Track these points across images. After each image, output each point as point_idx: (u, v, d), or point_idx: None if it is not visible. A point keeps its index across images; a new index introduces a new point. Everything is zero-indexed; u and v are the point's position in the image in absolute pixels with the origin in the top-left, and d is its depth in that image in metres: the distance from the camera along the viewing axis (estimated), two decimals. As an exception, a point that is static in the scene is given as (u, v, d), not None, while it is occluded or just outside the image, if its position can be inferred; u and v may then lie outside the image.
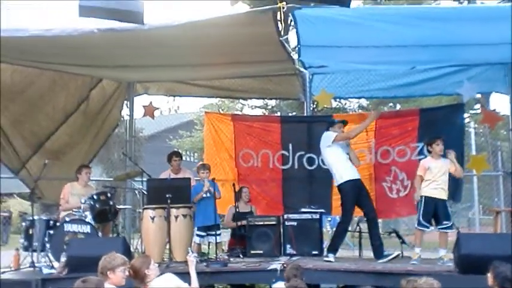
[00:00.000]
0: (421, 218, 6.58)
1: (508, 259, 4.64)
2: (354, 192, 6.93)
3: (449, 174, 6.67)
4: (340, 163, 7.04)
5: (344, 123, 7.39)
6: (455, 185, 7.91)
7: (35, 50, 6.90)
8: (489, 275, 4.35)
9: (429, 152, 6.81)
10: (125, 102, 9.82)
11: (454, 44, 6.80)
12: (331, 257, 6.83)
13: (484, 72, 8.72)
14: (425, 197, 6.56)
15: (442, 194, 6.58)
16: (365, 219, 7.23)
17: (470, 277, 5.41)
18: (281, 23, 5.90)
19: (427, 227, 6.62)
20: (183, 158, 8.64)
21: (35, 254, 6.86)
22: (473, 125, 14.28)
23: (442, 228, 6.57)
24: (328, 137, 7.12)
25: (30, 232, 6.93)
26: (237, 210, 7.76)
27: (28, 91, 8.16)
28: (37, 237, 6.84)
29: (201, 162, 8.01)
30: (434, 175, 6.57)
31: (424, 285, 4.18)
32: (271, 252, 7.31)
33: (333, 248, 6.97)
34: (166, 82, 9.74)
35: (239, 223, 7.72)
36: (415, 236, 6.80)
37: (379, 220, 11.34)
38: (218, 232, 7.33)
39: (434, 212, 6.55)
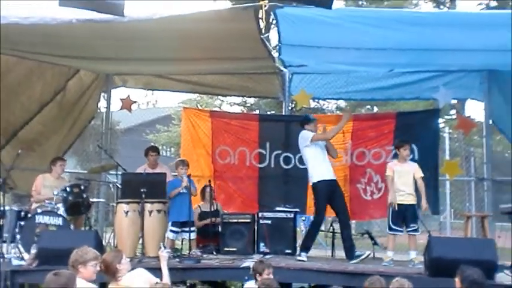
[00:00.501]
0: (391, 224, 6.69)
1: (477, 263, 4.73)
2: (326, 192, 6.98)
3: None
4: (316, 162, 7.07)
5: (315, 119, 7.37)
6: (434, 197, 8.08)
7: (12, 38, 6.76)
8: (456, 279, 4.42)
9: (396, 155, 6.91)
10: (102, 94, 9.74)
11: (432, 48, 6.90)
12: (303, 256, 6.87)
13: (460, 79, 8.88)
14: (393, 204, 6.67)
15: (410, 199, 6.68)
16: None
17: (440, 280, 5.47)
18: (262, 21, 5.91)
19: (400, 231, 6.72)
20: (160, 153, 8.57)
21: (4, 245, 6.74)
22: (447, 130, 14.50)
23: (410, 231, 6.68)
24: (305, 136, 7.14)
25: (1, 223, 6.82)
26: (200, 209, 7.82)
27: (4, 80, 8.01)
28: (7, 228, 6.74)
29: (180, 158, 7.94)
30: (399, 180, 6.69)
31: (396, 284, 4.29)
32: (244, 250, 7.31)
33: (305, 247, 7.02)
34: (145, 75, 9.67)
35: (204, 222, 7.71)
36: (388, 239, 6.89)
37: (353, 221, 11.48)
38: (192, 229, 7.30)
39: (404, 217, 6.65)
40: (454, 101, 10.37)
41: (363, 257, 6.79)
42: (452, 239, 8.22)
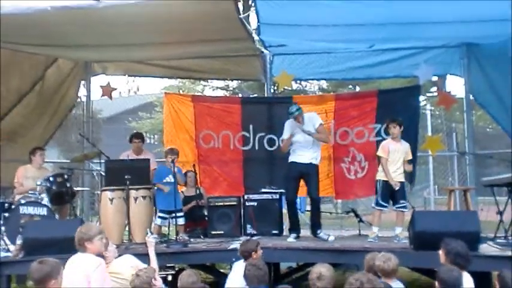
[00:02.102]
0: (379, 199, 6.72)
1: (460, 235, 4.81)
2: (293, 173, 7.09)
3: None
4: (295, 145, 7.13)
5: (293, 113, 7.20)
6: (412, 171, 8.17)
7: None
8: (441, 252, 4.47)
9: (388, 134, 6.93)
10: (82, 82, 9.63)
11: (411, 22, 6.92)
12: (291, 237, 6.94)
13: (439, 55, 8.95)
14: (383, 181, 6.71)
15: (400, 177, 6.72)
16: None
17: (424, 253, 5.57)
18: (241, 1, 5.86)
19: (386, 207, 6.78)
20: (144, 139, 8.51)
21: (-11, 237, 6.69)
22: (429, 107, 14.59)
23: (399, 207, 6.73)
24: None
25: (-15, 215, 6.75)
26: (184, 195, 7.80)
27: (-20, 71, 7.89)
28: (-9, 221, 6.67)
29: (169, 147, 7.87)
30: (393, 159, 6.70)
31: (382, 258, 4.34)
32: (231, 233, 7.36)
33: (292, 227, 7.09)
34: (124, 62, 9.57)
35: (189, 206, 7.69)
36: (374, 215, 6.93)
37: (338, 201, 11.58)
38: (179, 214, 7.29)
39: (392, 193, 6.70)
40: (435, 78, 10.42)
41: (325, 238, 6.90)
42: (436, 213, 8.38)
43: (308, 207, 8.29)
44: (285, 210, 7.97)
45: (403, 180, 6.75)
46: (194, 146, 8.89)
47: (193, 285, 4.20)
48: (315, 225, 7.09)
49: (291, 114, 7.11)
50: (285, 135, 7.22)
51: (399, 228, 6.75)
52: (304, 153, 7.08)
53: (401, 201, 6.70)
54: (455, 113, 13.60)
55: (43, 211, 6.76)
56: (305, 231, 7.47)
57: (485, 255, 5.55)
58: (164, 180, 7.26)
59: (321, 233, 6.98)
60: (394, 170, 6.68)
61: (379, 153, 6.82)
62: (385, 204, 6.73)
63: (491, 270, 5.60)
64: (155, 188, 7.30)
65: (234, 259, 5.66)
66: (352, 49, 8.91)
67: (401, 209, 6.73)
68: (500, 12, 6.17)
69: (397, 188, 6.63)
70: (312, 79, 14.51)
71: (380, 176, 6.75)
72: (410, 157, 6.82)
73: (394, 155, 6.70)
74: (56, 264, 3.87)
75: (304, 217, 8.67)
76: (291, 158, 7.14)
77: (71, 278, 4.06)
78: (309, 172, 7.08)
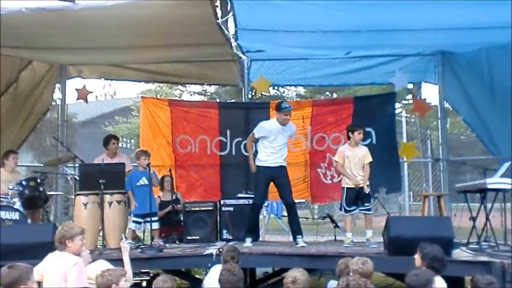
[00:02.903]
0: (345, 206, 6.83)
1: (434, 240, 4.85)
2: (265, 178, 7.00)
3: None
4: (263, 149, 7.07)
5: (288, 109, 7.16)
6: (397, 177, 8.54)
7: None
8: (416, 256, 4.50)
9: (349, 138, 7.00)
10: (57, 85, 9.50)
11: (387, 29, 7.01)
12: (248, 242, 6.85)
13: (415, 63, 9.09)
14: (346, 188, 6.83)
15: (362, 182, 6.81)
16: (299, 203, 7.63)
17: (399, 258, 5.61)
18: (219, 6, 5.86)
19: (354, 210, 6.87)
20: (120, 145, 8.43)
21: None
22: (404, 114, 14.76)
23: (364, 210, 6.85)
24: (257, 128, 7.09)
25: (-45, 219, 6.59)
26: (160, 199, 7.77)
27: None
28: (-38, 225, 6.51)
29: (141, 149, 7.81)
30: (350, 164, 6.82)
31: (359, 262, 4.38)
32: (207, 238, 7.32)
33: (250, 231, 7.07)
34: (100, 65, 9.47)
35: (165, 211, 7.64)
36: (345, 221, 7.05)
37: (315, 206, 11.61)
38: (154, 219, 7.23)
39: (356, 197, 6.80)
40: (410, 86, 10.58)
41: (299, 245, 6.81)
42: (410, 218, 8.47)
43: (284, 213, 8.29)
44: (261, 216, 7.98)
45: (362, 185, 6.80)
46: (171, 150, 8.84)
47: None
48: (297, 231, 6.96)
49: (284, 108, 6.96)
50: (262, 133, 7.05)
51: (369, 231, 6.87)
52: (277, 157, 7.02)
53: (366, 204, 6.82)
54: (430, 120, 13.79)
55: (15, 215, 6.63)
56: (282, 237, 7.49)
57: (458, 260, 5.61)
58: (138, 184, 7.20)
59: (300, 239, 6.90)
60: (355, 175, 6.78)
61: (335, 158, 6.94)
62: (352, 209, 6.82)
63: (464, 275, 5.68)
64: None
65: (209, 264, 5.63)
66: (328, 56, 8.99)
67: (365, 212, 6.84)
68: (475, 21, 6.29)
69: (367, 192, 6.75)
70: (290, 85, 14.60)
71: (344, 184, 6.87)
72: (369, 159, 6.88)
73: (351, 160, 6.82)
74: (26, 269, 3.78)
75: (281, 222, 8.67)
76: (263, 163, 7.00)
77: (48, 276, 4.07)
78: (280, 175, 7.02)
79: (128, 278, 4.79)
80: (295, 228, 7.00)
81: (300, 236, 6.92)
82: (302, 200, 9.41)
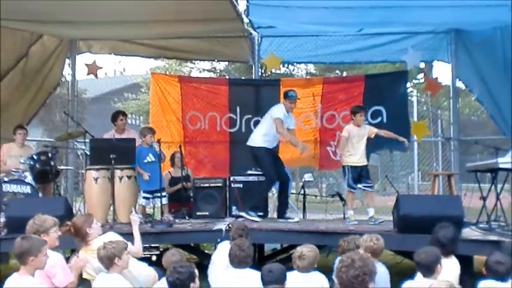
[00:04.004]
0: (350, 181, 6.90)
1: (444, 219, 4.85)
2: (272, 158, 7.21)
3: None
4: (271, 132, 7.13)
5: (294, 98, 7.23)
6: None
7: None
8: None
9: (352, 119, 7.03)
10: (68, 61, 9.48)
11: (400, 6, 6.92)
12: (255, 216, 7.00)
13: (427, 41, 8.97)
14: (350, 166, 6.90)
15: (363, 160, 6.94)
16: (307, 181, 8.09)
17: (408, 236, 5.64)
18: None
19: (354, 189, 6.97)
20: (128, 121, 8.42)
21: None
22: (415, 94, 14.66)
23: (366, 187, 6.95)
24: (276, 111, 7.09)
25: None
26: (171, 175, 7.82)
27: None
28: (-26, 198, 6.58)
29: (145, 126, 7.79)
30: (354, 144, 6.88)
31: (373, 238, 4.40)
32: (216, 214, 7.34)
33: (256, 206, 7.20)
34: (110, 40, 9.43)
35: (175, 188, 7.69)
36: (348, 199, 7.15)
37: (323, 185, 11.58)
38: (163, 194, 7.24)
39: (359, 175, 6.89)
40: (422, 64, 10.46)
41: (290, 220, 7.06)
42: (420, 197, 8.44)
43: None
44: (270, 194, 8.01)
45: (365, 163, 6.97)
46: (180, 127, 8.82)
47: (178, 264, 4.18)
48: (285, 206, 7.31)
49: (291, 97, 7.12)
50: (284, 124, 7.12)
51: (371, 209, 6.97)
52: (274, 140, 7.29)
53: (368, 181, 6.95)
54: (441, 100, 13.68)
55: (26, 189, 6.69)
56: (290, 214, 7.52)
57: (467, 239, 5.60)
58: (145, 161, 7.15)
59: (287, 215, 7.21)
60: (357, 156, 6.89)
61: (343, 133, 7.01)
62: (354, 186, 6.93)
63: (473, 254, 5.67)
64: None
65: (219, 240, 5.67)
66: (340, 33, 8.89)
67: (368, 189, 6.99)
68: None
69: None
70: (300, 62, 14.45)
71: (347, 162, 6.92)
72: (375, 130, 7.03)
73: (355, 139, 6.90)
74: (37, 242, 3.79)
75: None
76: (267, 144, 7.16)
77: None
78: (276, 155, 7.41)
79: (137, 250, 4.84)
80: (287, 201, 7.35)
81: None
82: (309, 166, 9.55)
